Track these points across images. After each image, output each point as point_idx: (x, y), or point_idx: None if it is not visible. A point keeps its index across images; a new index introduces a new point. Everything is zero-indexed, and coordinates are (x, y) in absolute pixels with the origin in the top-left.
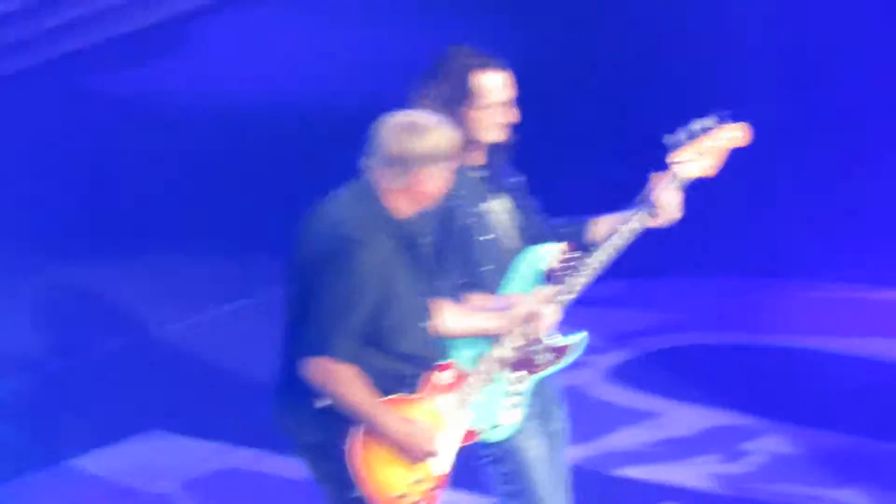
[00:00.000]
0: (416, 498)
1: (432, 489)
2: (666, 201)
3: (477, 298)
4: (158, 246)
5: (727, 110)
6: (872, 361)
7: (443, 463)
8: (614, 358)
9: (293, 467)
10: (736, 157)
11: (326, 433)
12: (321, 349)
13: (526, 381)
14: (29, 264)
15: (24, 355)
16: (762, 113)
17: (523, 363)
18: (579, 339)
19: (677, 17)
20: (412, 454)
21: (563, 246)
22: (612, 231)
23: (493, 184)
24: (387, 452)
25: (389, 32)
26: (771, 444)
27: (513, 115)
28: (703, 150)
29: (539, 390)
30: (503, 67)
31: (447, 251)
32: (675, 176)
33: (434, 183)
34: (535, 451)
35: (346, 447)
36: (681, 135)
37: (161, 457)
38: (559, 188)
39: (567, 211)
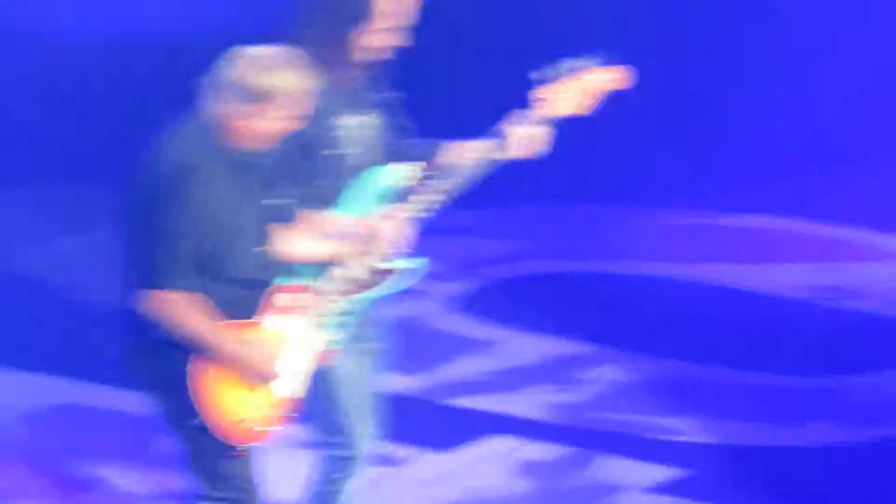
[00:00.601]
0: (257, 422)
1: (275, 413)
2: (519, 135)
3: (317, 218)
4: (7, 178)
5: (603, 53)
6: (712, 288)
7: (289, 386)
8: (457, 287)
9: (136, 402)
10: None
11: (166, 364)
12: (156, 280)
13: (354, 301)
14: None
15: None
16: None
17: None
18: (417, 264)
19: None
20: (251, 377)
21: (416, 166)
22: (462, 158)
23: (361, 100)
24: (226, 377)
25: None
26: (609, 372)
27: (403, 38)
28: (570, 89)
29: (364, 310)
30: None
31: (291, 164)
32: (532, 112)
33: (273, 122)
34: (343, 370)
35: (187, 374)
36: (548, 72)
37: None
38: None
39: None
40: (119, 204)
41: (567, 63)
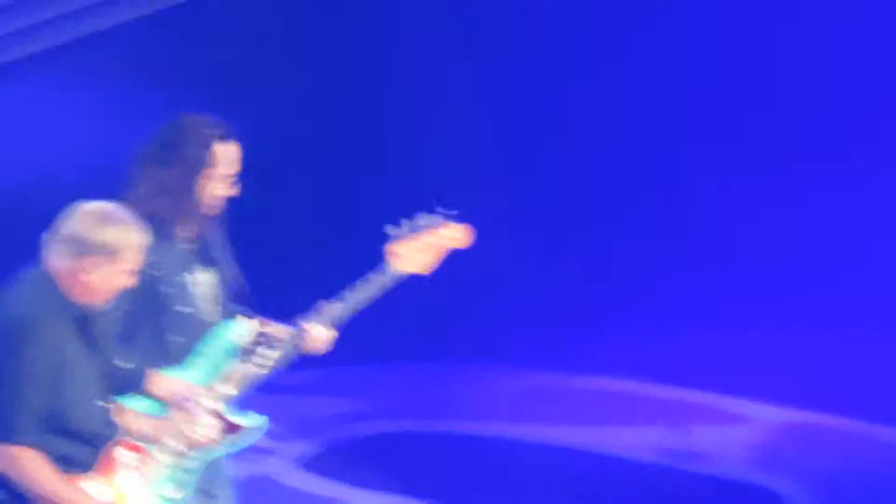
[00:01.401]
0: None
1: None
2: (314, 332)
3: (157, 379)
4: None
5: (453, 209)
6: (565, 449)
7: None
8: (302, 446)
9: None
10: None
11: None
12: (2, 436)
13: (195, 459)
14: None
15: None
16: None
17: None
18: (257, 422)
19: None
20: None
21: (255, 323)
22: (275, 335)
23: (203, 256)
24: None
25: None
26: None
27: (236, 188)
28: (422, 245)
29: (208, 468)
30: (236, 139)
31: (140, 320)
32: (389, 267)
33: (103, 278)
34: None
35: None
36: (404, 227)
37: None
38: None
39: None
40: None
41: (422, 218)
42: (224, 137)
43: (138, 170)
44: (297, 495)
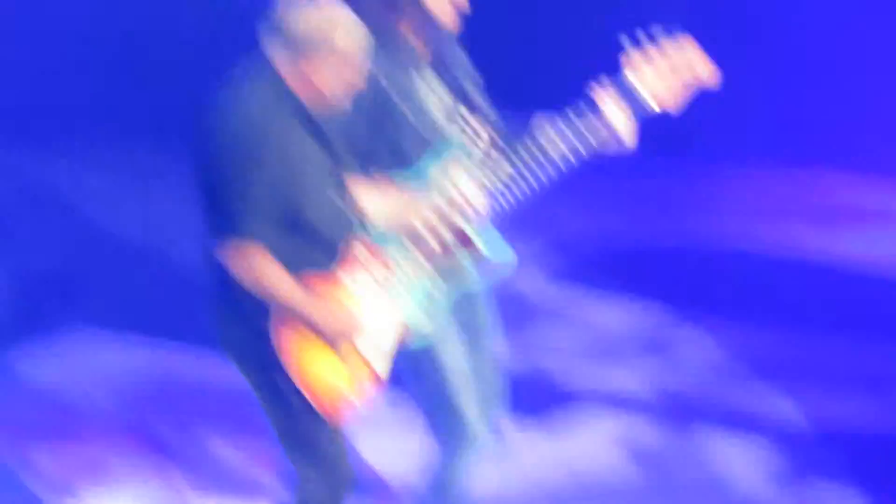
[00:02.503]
0: (348, 387)
1: (363, 379)
2: (613, 110)
3: (389, 181)
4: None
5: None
6: (813, 261)
7: (373, 356)
8: (554, 261)
9: (228, 370)
10: None
11: (252, 328)
12: (233, 231)
13: (445, 286)
14: None
15: None
16: None
17: (442, 254)
18: (504, 255)
19: None
20: (331, 334)
21: (490, 138)
22: (555, 139)
23: (435, 69)
24: (311, 338)
25: None
26: (706, 344)
27: (460, 2)
28: (663, 66)
29: (467, 303)
30: None
31: (368, 125)
32: (624, 83)
33: (328, 75)
34: (449, 356)
35: (271, 336)
36: (640, 37)
37: (88, 355)
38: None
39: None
40: (193, 160)
41: (660, 32)
42: None
43: None
44: (548, 310)
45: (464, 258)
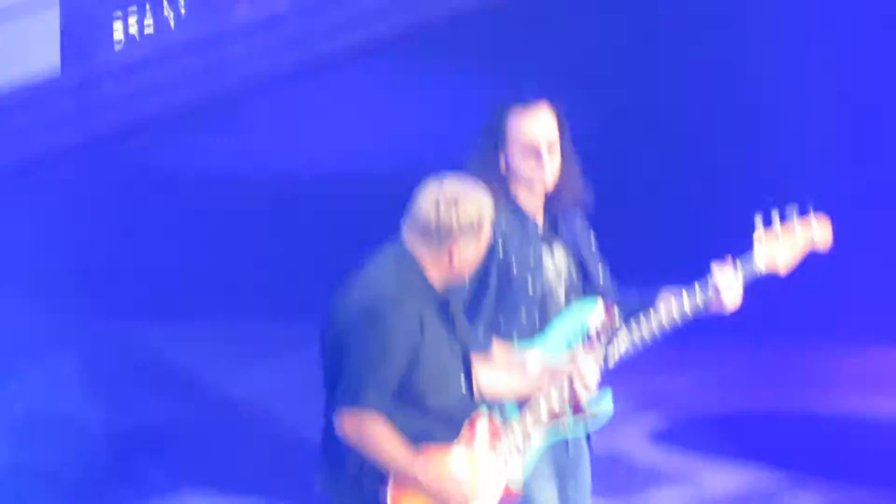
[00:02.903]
0: None
1: None
2: (729, 285)
3: (510, 352)
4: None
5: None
6: None
7: None
8: (652, 421)
9: None
10: None
11: (362, 494)
12: (353, 402)
13: (539, 436)
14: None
15: (71, 417)
16: None
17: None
18: (607, 405)
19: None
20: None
21: (607, 306)
22: (673, 307)
23: (551, 237)
24: (424, 502)
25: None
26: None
27: (551, 161)
28: (786, 241)
29: (564, 449)
30: (547, 108)
31: (490, 297)
32: (753, 261)
33: (467, 255)
34: (546, 497)
35: (383, 498)
36: (774, 218)
37: None
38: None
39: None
40: (320, 330)
41: (790, 212)
42: (522, 106)
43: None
44: (648, 470)
45: (569, 417)
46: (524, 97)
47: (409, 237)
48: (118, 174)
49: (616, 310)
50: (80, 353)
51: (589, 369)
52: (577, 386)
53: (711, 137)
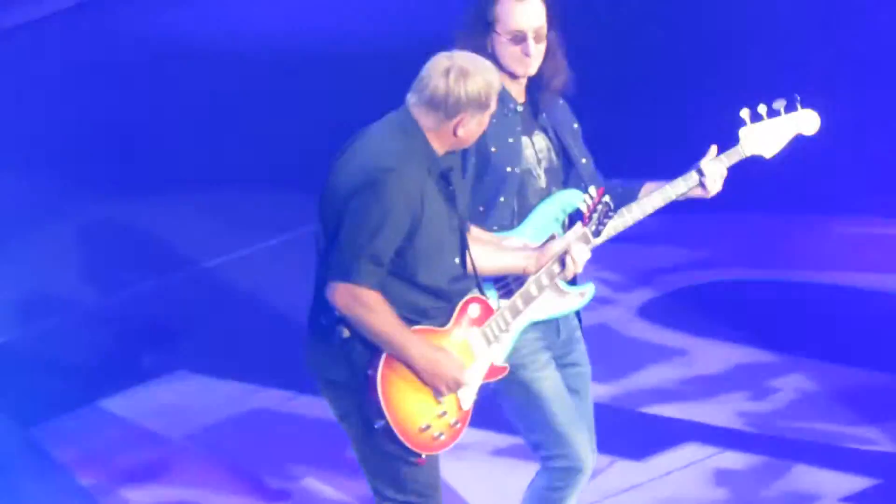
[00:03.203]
0: (441, 430)
1: (457, 423)
2: (716, 172)
3: (488, 235)
4: (197, 182)
5: (798, 95)
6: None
7: (468, 397)
8: (643, 295)
9: (324, 408)
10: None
11: (350, 367)
12: (347, 273)
13: (527, 315)
14: (62, 203)
15: (58, 295)
16: None
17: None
18: (585, 288)
19: None
20: (440, 383)
21: (592, 190)
22: (659, 198)
23: (531, 120)
24: (412, 382)
25: None
26: (797, 381)
27: (535, 49)
28: (776, 130)
29: (558, 327)
30: None
31: (470, 179)
32: (741, 150)
33: (472, 128)
34: (550, 382)
35: (372, 376)
36: (759, 110)
37: (188, 399)
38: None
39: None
40: (315, 202)
41: (778, 102)
42: None
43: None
44: (640, 344)
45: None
46: None
47: (416, 107)
48: (106, 42)
49: (606, 193)
50: (69, 230)
51: (579, 248)
52: (568, 263)
53: (704, 32)
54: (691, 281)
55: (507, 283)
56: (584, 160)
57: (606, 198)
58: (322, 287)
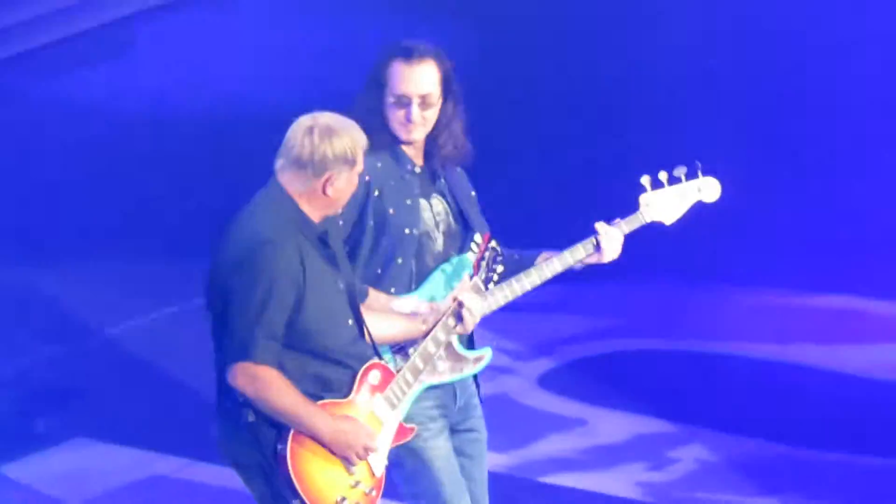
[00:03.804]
0: (357, 500)
1: (371, 490)
2: (614, 238)
3: (386, 299)
4: (91, 251)
5: (699, 162)
6: (801, 368)
7: (379, 464)
8: (542, 365)
9: (222, 475)
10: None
11: (260, 449)
12: (243, 352)
13: (417, 383)
14: None
15: None
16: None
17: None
18: (483, 353)
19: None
20: (350, 453)
21: (477, 237)
22: (551, 263)
23: (429, 184)
24: (323, 455)
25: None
26: (697, 451)
27: (418, 115)
28: (677, 198)
29: (455, 392)
30: (432, 61)
31: (365, 240)
32: (641, 217)
33: (341, 186)
34: (440, 452)
35: (282, 452)
36: (661, 177)
37: (87, 464)
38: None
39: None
40: (205, 277)
41: (679, 170)
42: (403, 55)
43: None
44: (537, 414)
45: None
46: (412, 46)
47: (283, 174)
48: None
49: (493, 240)
50: None
51: (471, 299)
52: (465, 315)
53: (609, 91)
54: (591, 351)
55: (403, 345)
56: (480, 227)
57: (493, 243)
58: (222, 370)
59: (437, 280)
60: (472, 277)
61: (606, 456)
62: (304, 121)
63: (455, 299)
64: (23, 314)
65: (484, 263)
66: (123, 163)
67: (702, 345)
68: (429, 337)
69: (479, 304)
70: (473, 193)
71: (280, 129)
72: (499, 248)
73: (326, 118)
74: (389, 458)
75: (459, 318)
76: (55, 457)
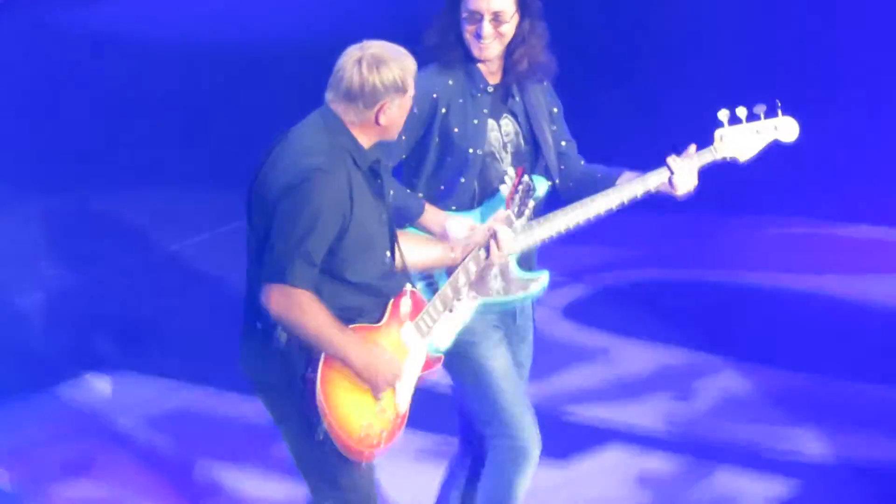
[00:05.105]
0: (381, 428)
1: (395, 420)
2: (684, 169)
3: (440, 218)
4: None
5: (779, 100)
6: (828, 298)
7: (405, 393)
8: (568, 294)
9: (254, 407)
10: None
11: (288, 371)
12: (281, 275)
13: (472, 306)
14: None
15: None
16: None
17: (476, 285)
18: (539, 276)
19: None
20: (376, 380)
21: (511, 171)
22: (629, 185)
23: (501, 104)
24: (351, 381)
25: None
26: (723, 381)
27: (489, 31)
28: (754, 135)
29: (514, 316)
30: None
31: (432, 158)
32: (715, 151)
33: (394, 114)
34: (500, 361)
35: (311, 378)
36: (739, 113)
37: (122, 393)
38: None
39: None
40: (244, 202)
41: (759, 107)
42: None
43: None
44: (564, 345)
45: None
46: None
47: (335, 104)
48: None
49: (527, 174)
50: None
51: (503, 232)
52: (492, 248)
53: (693, 33)
54: (618, 280)
55: (432, 277)
56: (563, 143)
57: (527, 178)
58: (255, 291)
59: (498, 201)
60: (505, 208)
61: (632, 387)
62: (352, 51)
63: (489, 229)
64: (55, 242)
65: (517, 197)
66: (154, 94)
67: (729, 275)
68: (459, 268)
69: (509, 237)
70: (556, 109)
71: (315, 57)
72: (533, 183)
73: (374, 48)
74: (450, 370)
75: (489, 251)
76: (90, 384)
